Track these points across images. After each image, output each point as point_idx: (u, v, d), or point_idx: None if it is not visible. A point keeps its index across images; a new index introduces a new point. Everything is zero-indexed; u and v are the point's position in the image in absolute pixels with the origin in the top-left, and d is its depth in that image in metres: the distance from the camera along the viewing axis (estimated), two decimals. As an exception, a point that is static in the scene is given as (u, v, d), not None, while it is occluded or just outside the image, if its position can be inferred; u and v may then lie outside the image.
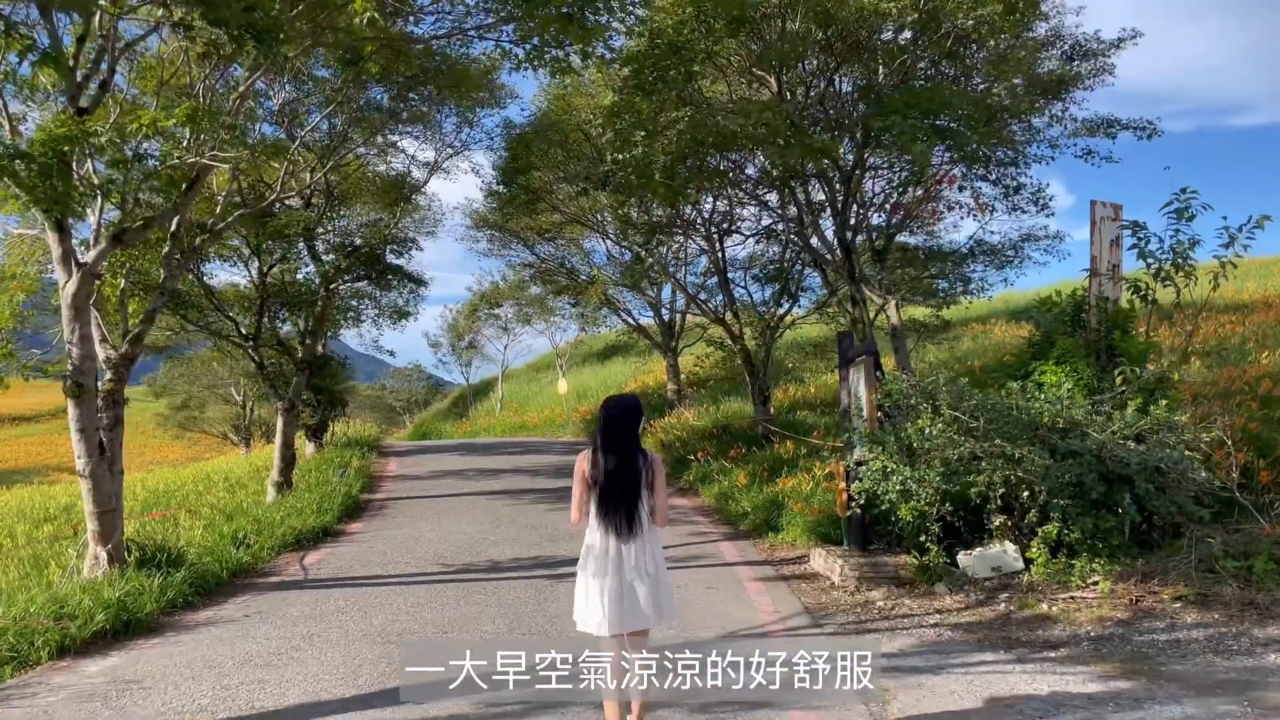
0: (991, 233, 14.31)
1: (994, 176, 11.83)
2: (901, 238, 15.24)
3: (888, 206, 12.41)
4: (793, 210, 14.14)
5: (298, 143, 12.74)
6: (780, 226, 14.02)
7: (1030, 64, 11.76)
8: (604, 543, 4.67)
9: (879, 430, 8.97)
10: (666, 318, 23.61)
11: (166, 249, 9.48)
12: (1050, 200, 12.39)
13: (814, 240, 12.69)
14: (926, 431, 8.45)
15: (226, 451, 42.53)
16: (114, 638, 7.30)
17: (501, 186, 17.96)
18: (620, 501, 4.66)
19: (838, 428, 10.03)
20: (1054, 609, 7.75)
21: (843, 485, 9.64)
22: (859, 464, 9.05)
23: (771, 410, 17.09)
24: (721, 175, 11.61)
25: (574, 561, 4.91)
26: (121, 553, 8.61)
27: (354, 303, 20.09)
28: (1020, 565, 8.62)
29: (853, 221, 11.70)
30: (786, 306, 16.64)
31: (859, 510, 8.96)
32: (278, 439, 14.61)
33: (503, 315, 37.19)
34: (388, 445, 24.18)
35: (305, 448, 20.59)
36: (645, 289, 21.52)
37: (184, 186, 8.06)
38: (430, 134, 16.23)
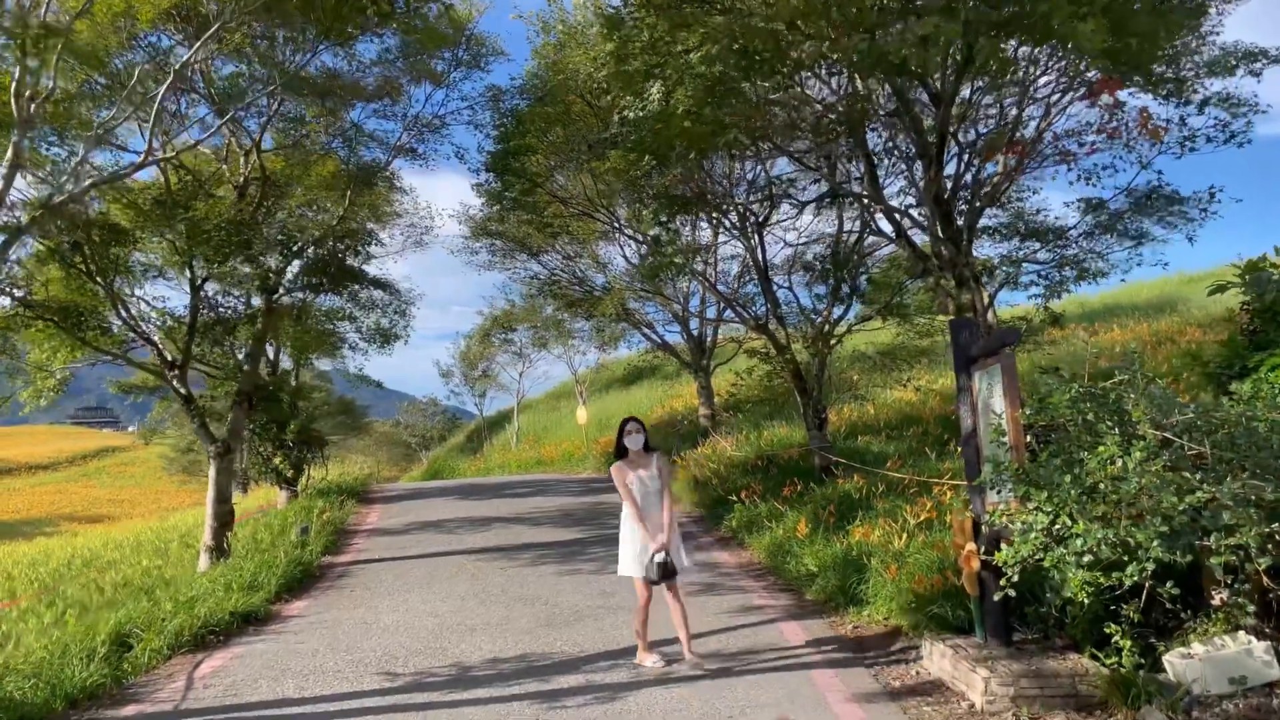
0: (1158, 173, 10.83)
1: (1166, 90, 8.56)
2: (985, 221, 12.06)
3: (991, 158, 9.19)
4: (840, 178, 11.03)
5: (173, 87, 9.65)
6: (846, 186, 10.81)
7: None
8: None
9: (1034, 465, 5.78)
10: (695, 331, 20.48)
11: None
12: (1254, 112, 8.99)
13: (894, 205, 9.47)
14: (1122, 465, 5.28)
15: (229, 496, 39.84)
16: None
17: (491, 174, 14.99)
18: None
19: (963, 462, 6.88)
20: (1375, 762, 4.53)
21: (971, 547, 6.46)
22: (1007, 516, 5.84)
23: (828, 435, 13.91)
24: (763, 114, 8.48)
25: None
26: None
27: (330, 325, 17.19)
28: (1276, 673, 5.41)
29: (951, 173, 8.60)
30: (844, 308, 13.43)
31: (1010, 591, 5.73)
32: (210, 492, 11.56)
33: (517, 340, 34.29)
34: (378, 490, 21.12)
35: (278, 497, 17.70)
36: (668, 291, 18.42)
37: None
38: (393, 109, 13.31)
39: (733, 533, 12.17)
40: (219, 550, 11.27)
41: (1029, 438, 6.10)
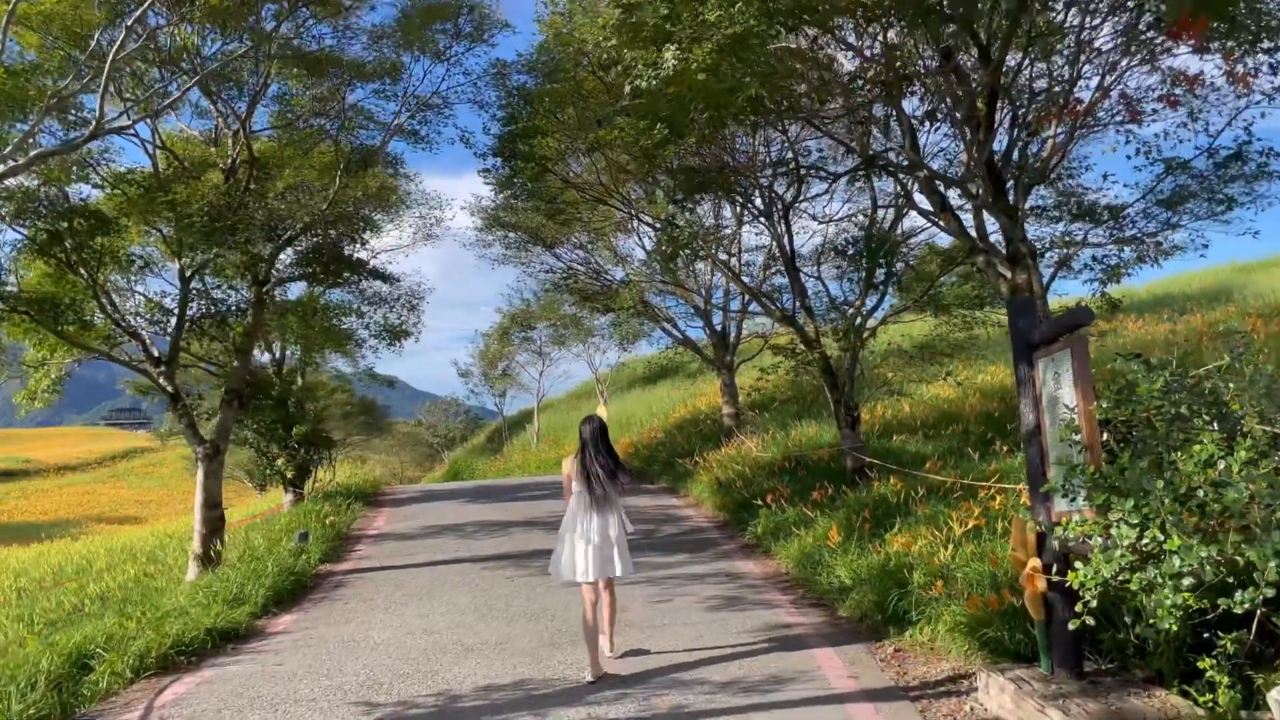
0: (1245, 128, 9.61)
1: (1249, 38, 7.56)
2: (1034, 200, 11.09)
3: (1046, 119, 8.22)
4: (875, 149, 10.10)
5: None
6: (887, 154, 9.82)
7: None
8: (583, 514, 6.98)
9: (1114, 469, 4.87)
10: (718, 324, 19.57)
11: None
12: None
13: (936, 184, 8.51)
14: (1225, 467, 4.37)
15: (249, 496, 39.81)
16: None
17: (498, 159, 14.21)
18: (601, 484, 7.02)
19: (1025, 464, 5.98)
20: None
21: (1035, 563, 5.56)
22: (1081, 528, 4.94)
23: (861, 435, 12.98)
24: (789, 70, 7.59)
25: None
26: None
27: (337, 321, 16.47)
28: None
29: (1000, 148, 7.64)
30: (878, 297, 12.45)
31: (1089, 619, 4.82)
32: (198, 496, 10.87)
33: (536, 339, 33.56)
34: (390, 492, 20.41)
35: (283, 500, 17.06)
36: (688, 283, 17.52)
37: None
38: (392, 88, 12.48)
39: (758, 540, 11.30)
40: (207, 558, 10.57)
41: (1105, 435, 5.19)
